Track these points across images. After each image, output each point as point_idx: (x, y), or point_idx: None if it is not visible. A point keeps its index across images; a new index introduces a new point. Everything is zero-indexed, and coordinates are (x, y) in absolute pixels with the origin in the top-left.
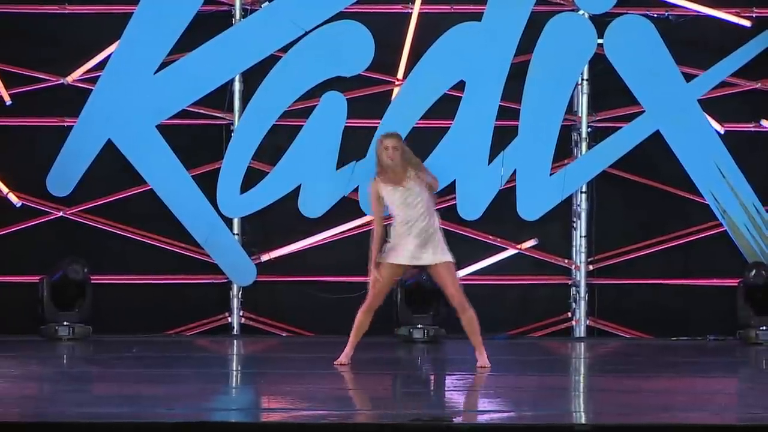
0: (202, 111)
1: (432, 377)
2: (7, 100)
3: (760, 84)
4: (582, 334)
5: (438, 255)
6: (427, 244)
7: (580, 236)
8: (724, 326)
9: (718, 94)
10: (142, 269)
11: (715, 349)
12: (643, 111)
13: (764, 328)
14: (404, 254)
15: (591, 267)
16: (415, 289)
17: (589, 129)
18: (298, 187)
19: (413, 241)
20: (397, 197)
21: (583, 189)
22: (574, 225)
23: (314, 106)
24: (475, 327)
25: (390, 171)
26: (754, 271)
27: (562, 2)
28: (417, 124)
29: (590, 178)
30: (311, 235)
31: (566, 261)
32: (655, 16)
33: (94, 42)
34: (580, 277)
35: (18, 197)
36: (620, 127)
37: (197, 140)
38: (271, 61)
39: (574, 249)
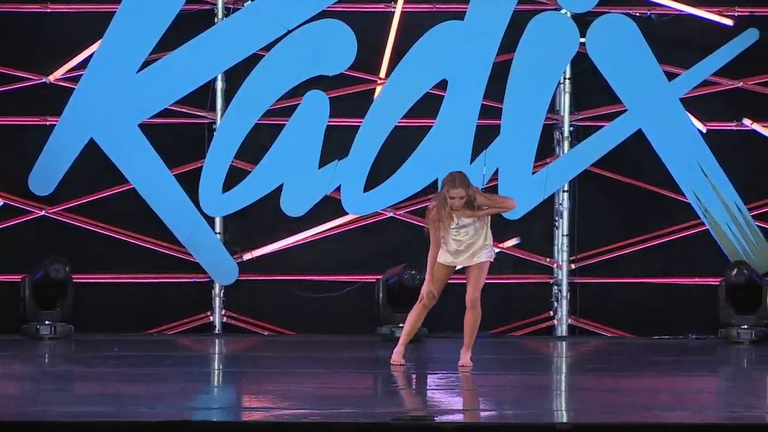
0: (184, 110)
1: (413, 376)
2: None
3: (741, 83)
4: (564, 333)
5: (474, 258)
6: (476, 251)
7: (562, 235)
8: (706, 325)
9: (701, 92)
10: (123, 268)
11: (696, 347)
12: (626, 110)
13: (745, 326)
14: (454, 259)
15: (573, 266)
16: (397, 288)
17: (572, 128)
18: (281, 186)
19: (465, 252)
20: (451, 232)
21: (565, 188)
22: (556, 224)
23: (297, 105)
24: (474, 328)
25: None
26: (735, 270)
27: (544, 1)
28: (399, 122)
29: (572, 177)
30: (293, 234)
31: (548, 260)
32: (638, 15)
33: (77, 41)
34: (562, 275)
35: (0, 196)
36: (602, 126)
37: (179, 139)
38: (253, 60)
39: (556, 248)
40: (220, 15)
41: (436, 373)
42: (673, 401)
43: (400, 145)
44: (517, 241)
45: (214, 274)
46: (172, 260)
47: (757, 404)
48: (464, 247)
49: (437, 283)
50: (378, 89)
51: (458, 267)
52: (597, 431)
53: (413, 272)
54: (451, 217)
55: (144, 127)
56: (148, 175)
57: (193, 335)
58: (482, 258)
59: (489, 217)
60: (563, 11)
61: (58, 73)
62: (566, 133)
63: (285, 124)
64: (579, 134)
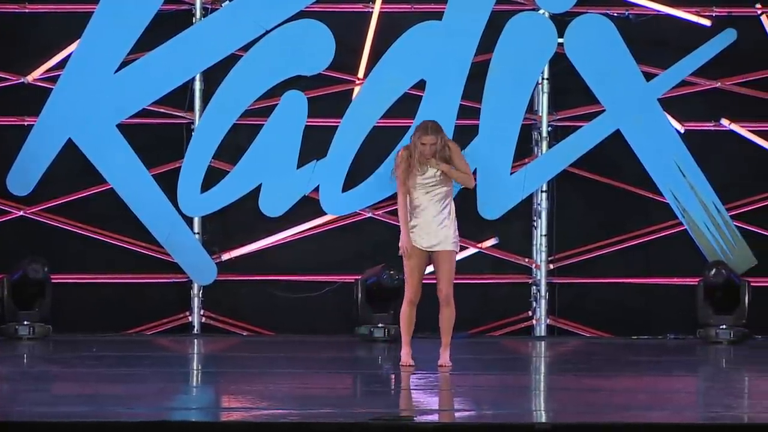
0: (162, 110)
1: (393, 376)
2: None
3: (719, 83)
4: (542, 333)
5: (442, 243)
6: (438, 230)
7: (541, 235)
8: (684, 325)
9: (678, 93)
10: (102, 268)
11: (675, 347)
12: (604, 110)
13: (724, 327)
14: (420, 240)
15: (551, 266)
16: (375, 288)
17: (550, 128)
18: (259, 186)
19: (426, 227)
20: (417, 180)
21: (544, 188)
22: (535, 224)
23: (275, 105)
24: (449, 325)
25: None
26: (714, 270)
27: (522, 1)
28: (377, 123)
29: (551, 177)
30: (272, 234)
31: (527, 260)
32: (616, 15)
33: (55, 41)
34: (541, 275)
35: None
36: (580, 127)
37: (158, 139)
38: (231, 60)
39: (534, 248)
40: (198, 15)
41: (415, 374)
42: (651, 401)
43: (378, 146)
44: (496, 241)
45: (193, 274)
46: (150, 260)
47: (735, 404)
48: (430, 217)
49: (414, 274)
50: (356, 89)
51: (429, 249)
52: (576, 431)
53: (392, 272)
54: (421, 162)
55: (122, 128)
56: (126, 175)
57: (172, 335)
58: (449, 244)
59: (452, 185)
60: (541, 11)
61: (37, 74)
62: (544, 134)
63: (263, 125)
64: (557, 134)
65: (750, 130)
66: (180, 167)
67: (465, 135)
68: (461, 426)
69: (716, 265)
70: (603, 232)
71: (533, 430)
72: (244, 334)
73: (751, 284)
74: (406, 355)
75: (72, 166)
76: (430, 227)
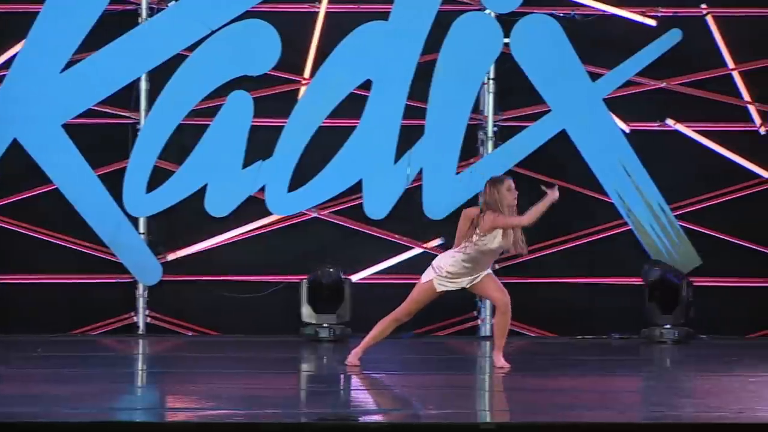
0: (108, 110)
1: (338, 376)
2: None
3: (665, 83)
4: (488, 333)
5: (475, 279)
6: (474, 272)
7: None
8: (629, 324)
9: (624, 93)
10: (47, 269)
11: (619, 347)
12: (549, 110)
13: (668, 326)
14: (452, 286)
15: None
16: (316, 286)
17: (495, 128)
18: (205, 186)
19: (466, 279)
20: (489, 239)
21: None
22: None
23: (220, 105)
24: (505, 329)
25: (506, 210)
26: (652, 269)
27: (468, 1)
28: (323, 123)
29: None
30: (217, 234)
31: None
32: (562, 15)
33: (0, 41)
34: None
35: None
36: (526, 127)
37: (103, 139)
38: (177, 60)
39: None
40: (144, 15)
41: (361, 374)
42: (596, 401)
43: (324, 146)
44: (441, 241)
45: (138, 274)
46: (96, 261)
47: (679, 404)
48: (473, 268)
49: (418, 304)
50: (302, 89)
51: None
52: (521, 431)
53: (330, 269)
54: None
55: (68, 128)
56: (72, 175)
57: (117, 336)
58: (482, 276)
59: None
60: (487, 11)
61: None
62: (490, 134)
63: (209, 125)
64: (503, 134)
65: (695, 130)
66: (125, 167)
67: (411, 135)
68: (406, 426)
69: (654, 264)
70: (548, 232)
71: (478, 430)
72: (190, 334)
73: (693, 283)
74: (353, 355)
75: (17, 166)
76: (473, 274)
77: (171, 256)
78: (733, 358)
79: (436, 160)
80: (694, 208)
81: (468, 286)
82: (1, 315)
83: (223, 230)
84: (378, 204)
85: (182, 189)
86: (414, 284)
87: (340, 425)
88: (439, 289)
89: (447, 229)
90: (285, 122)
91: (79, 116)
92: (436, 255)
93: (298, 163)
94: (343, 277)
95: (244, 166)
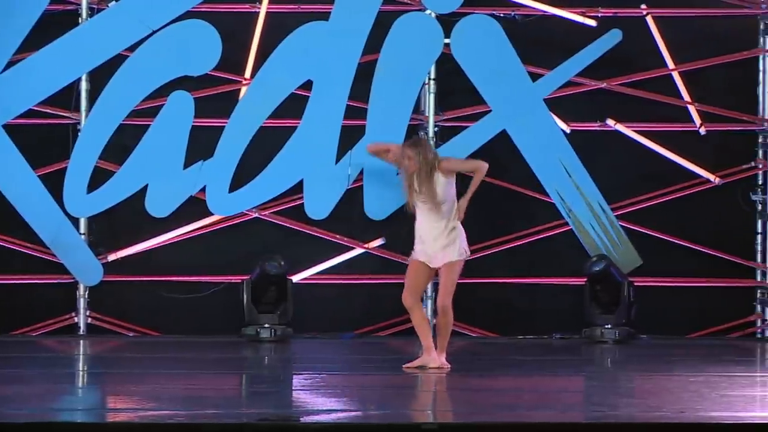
0: (48, 110)
1: (279, 377)
2: None
3: (605, 83)
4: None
5: (447, 251)
6: (446, 246)
7: None
8: (570, 325)
9: (564, 93)
10: None
11: (560, 347)
12: (490, 110)
13: (609, 326)
14: (424, 256)
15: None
16: (261, 281)
17: (436, 128)
18: (145, 187)
19: (432, 244)
20: (414, 197)
21: None
22: None
23: (161, 106)
24: (447, 331)
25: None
26: (598, 263)
27: (409, 2)
28: (264, 123)
29: None
30: (158, 234)
31: None
32: (502, 15)
33: None
34: None
35: None
36: (467, 127)
37: (44, 140)
38: (118, 61)
39: None
40: (84, 15)
41: (302, 374)
42: (537, 401)
43: (265, 146)
44: (383, 242)
45: (79, 274)
46: (36, 261)
47: (620, 404)
48: (436, 234)
49: (417, 288)
50: (243, 90)
51: (434, 265)
52: (462, 431)
53: (276, 262)
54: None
55: (8, 128)
56: (12, 175)
57: (58, 336)
58: (454, 255)
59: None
60: (428, 12)
61: None
62: (431, 134)
63: (150, 125)
64: (444, 135)
65: (635, 131)
66: (66, 168)
67: (352, 135)
68: (348, 426)
69: (600, 258)
70: (488, 232)
71: (420, 430)
72: (131, 334)
73: (634, 284)
74: (434, 359)
75: None
76: (440, 240)
77: (112, 257)
78: (673, 358)
79: (376, 160)
80: (634, 208)
81: (430, 261)
82: None
83: (164, 230)
84: (319, 204)
85: (123, 189)
86: (353, 284)
87: (282, 425)
88: (416, 257)
89: (388, 229)
90: (226, 122)
91: (19, 116)
92: (379, 256)
93: (239, 163)
94: (280, 263)
95: (185, 166)
